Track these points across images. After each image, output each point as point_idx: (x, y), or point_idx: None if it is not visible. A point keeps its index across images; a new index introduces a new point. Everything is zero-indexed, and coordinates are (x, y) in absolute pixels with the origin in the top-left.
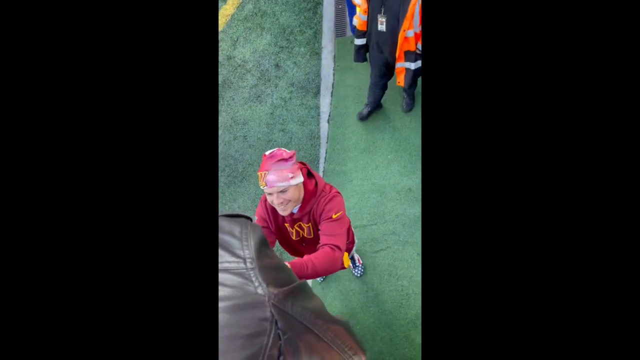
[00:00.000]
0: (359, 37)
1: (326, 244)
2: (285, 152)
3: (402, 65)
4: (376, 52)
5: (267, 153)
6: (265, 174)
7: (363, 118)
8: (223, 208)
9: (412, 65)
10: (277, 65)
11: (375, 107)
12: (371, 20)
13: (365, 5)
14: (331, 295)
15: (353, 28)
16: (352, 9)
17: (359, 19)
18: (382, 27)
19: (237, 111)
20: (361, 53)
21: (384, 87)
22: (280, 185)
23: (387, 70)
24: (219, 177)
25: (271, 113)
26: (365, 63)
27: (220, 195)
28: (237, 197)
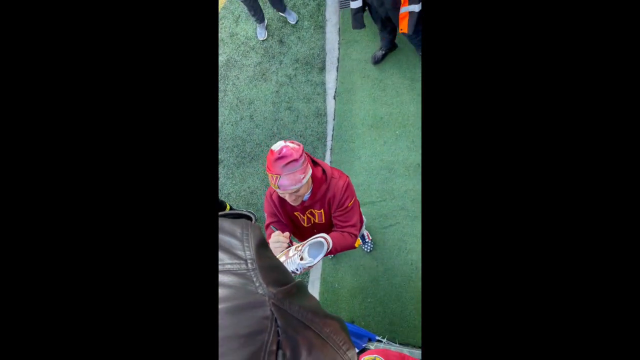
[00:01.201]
0: None
1: (346, 232)
2: (295, 151)
3: (405, 9)
4: (376, 6)
5: (275, 150)
6: (277, 177)
7: (377, 61)
8: (233, 189)
9: (417, 7)
10: (280, 41)
11: (390, 49)
12: None
13: None
14: (342, 271)
15: None
16: None
17: None
18: None
19: (242, 90)
20: (359, 18)
21: (392, 32)
22: (294, 187)
23: (388, 22)
24: (228, 158)
25: (276, 91)
26: (369, 34)
27: (230, 176)
28: (247, 178)
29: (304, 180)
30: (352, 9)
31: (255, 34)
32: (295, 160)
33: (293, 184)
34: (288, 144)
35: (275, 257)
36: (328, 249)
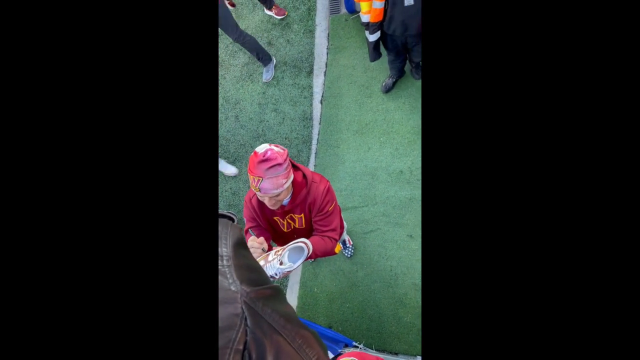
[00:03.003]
0: (374, 31)
1: (327, 236)
2: (279, 155)
3: None
4: (398, 34)
5: (259, 152)
6: (259, 180)
7: (389, 89)
8: None
9: None
10: (269, 43)
11: (399, 76)
12: (392, 2)
13: None
14: (322, 275)
15: (350, 5)
16: None
17: (374, 10)
18: (409, 0)
19: (229, 90)
20: (378, 49)
21: (404, 60)
22: (275, 192)
23: (403, 49)
24: None
25: (263, 92)
26: (357, 41)
27: None
28: (229, 179)
29: (286, 185)
30: (370, 42)
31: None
32: (279, 164)
33: (274, 188)
34: (273, 147)
35: (254, 258)
36: (308, 254)
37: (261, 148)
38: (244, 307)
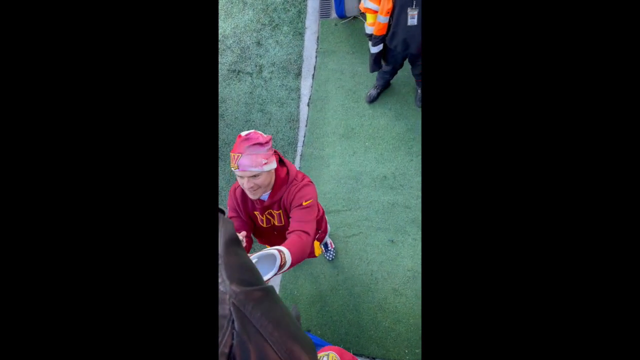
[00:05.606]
0: (376, 44)
1: (295, 230)
2: (262, 136)
3: None
4: (399, 50)
5: (242, 134)
6: (238, 156)
7: (373, 100)
8: None
9: None
10: (258, 43)
11: (384, 88)
12: (397, 19)
13: (389, 6)
14: (302, 278)
15: (340, 10)
16: None
17: (378, 24)
18: (412, 20)
19: None
20: (378, 61)
21: (394, 74)
22: (253, 170)
23: (402, 63)
24: None
25: (250, 92)
26: (347, 46)
27: None
28: None
29: (266, 167)
30: (371, 54)
31: None
32: (260, 144)
33: (253, 166)
34: (257, 132)
35: (247, 256)
36: (280, 264)
37: (246, 132)
38: (232, 309)
